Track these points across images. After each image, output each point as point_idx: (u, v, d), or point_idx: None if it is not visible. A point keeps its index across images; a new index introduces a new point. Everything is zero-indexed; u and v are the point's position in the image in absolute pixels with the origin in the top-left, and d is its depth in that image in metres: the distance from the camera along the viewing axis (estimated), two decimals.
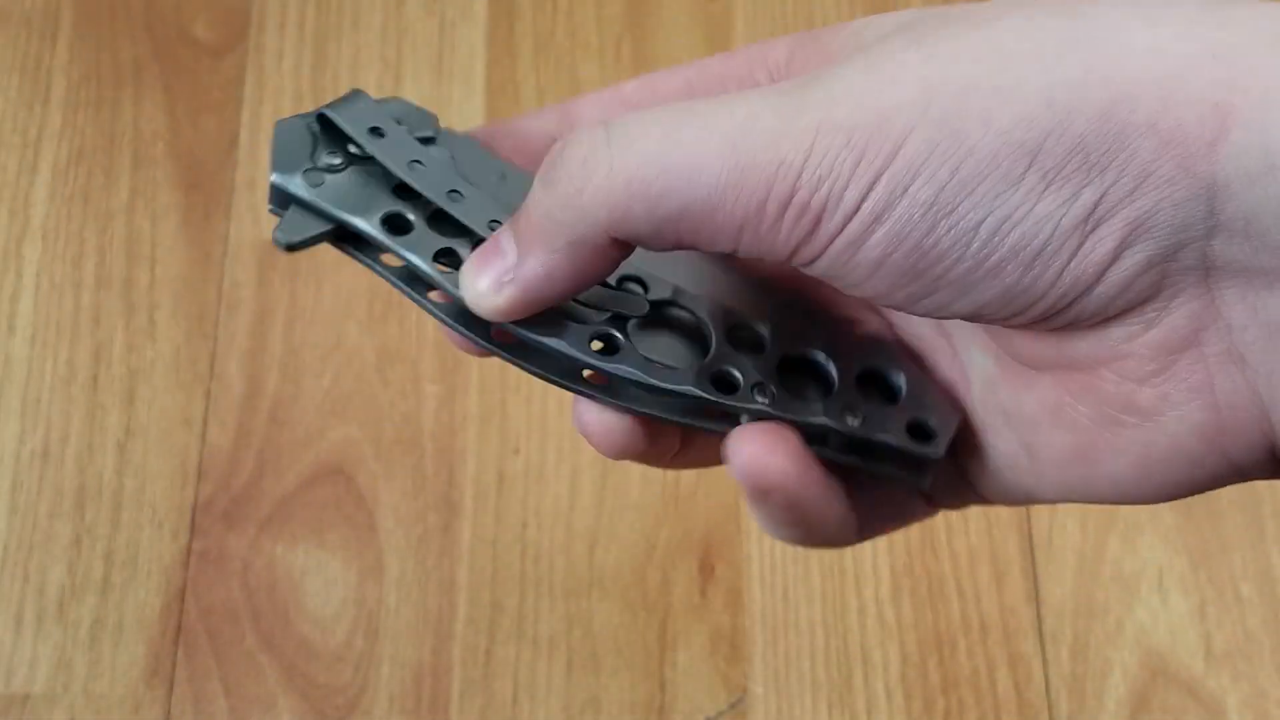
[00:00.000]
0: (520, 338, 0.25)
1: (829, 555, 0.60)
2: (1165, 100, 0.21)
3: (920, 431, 0.26)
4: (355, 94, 0.27)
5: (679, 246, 0.23)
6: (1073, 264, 0.22)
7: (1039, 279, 0.22)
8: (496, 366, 0.65)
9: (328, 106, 0.27)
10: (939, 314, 0.23)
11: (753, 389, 0.25)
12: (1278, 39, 0.21)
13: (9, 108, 0.72)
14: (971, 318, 0.23)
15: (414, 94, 0.71)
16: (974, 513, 0.61)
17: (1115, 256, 0.22)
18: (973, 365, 0.27)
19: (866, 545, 0.61)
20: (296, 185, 0.26)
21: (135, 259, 0.68)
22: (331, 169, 0.26)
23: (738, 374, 0.25)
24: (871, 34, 0.24)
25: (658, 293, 0.26)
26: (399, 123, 0.27)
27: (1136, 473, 0.24)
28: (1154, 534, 0.60)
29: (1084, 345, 0.23)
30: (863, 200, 0.22)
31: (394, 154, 0.26)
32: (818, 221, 0.22)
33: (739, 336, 0.26)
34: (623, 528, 0.62)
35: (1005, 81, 0.21)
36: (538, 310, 0.24)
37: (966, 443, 0.27)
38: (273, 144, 0.26)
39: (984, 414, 0.26)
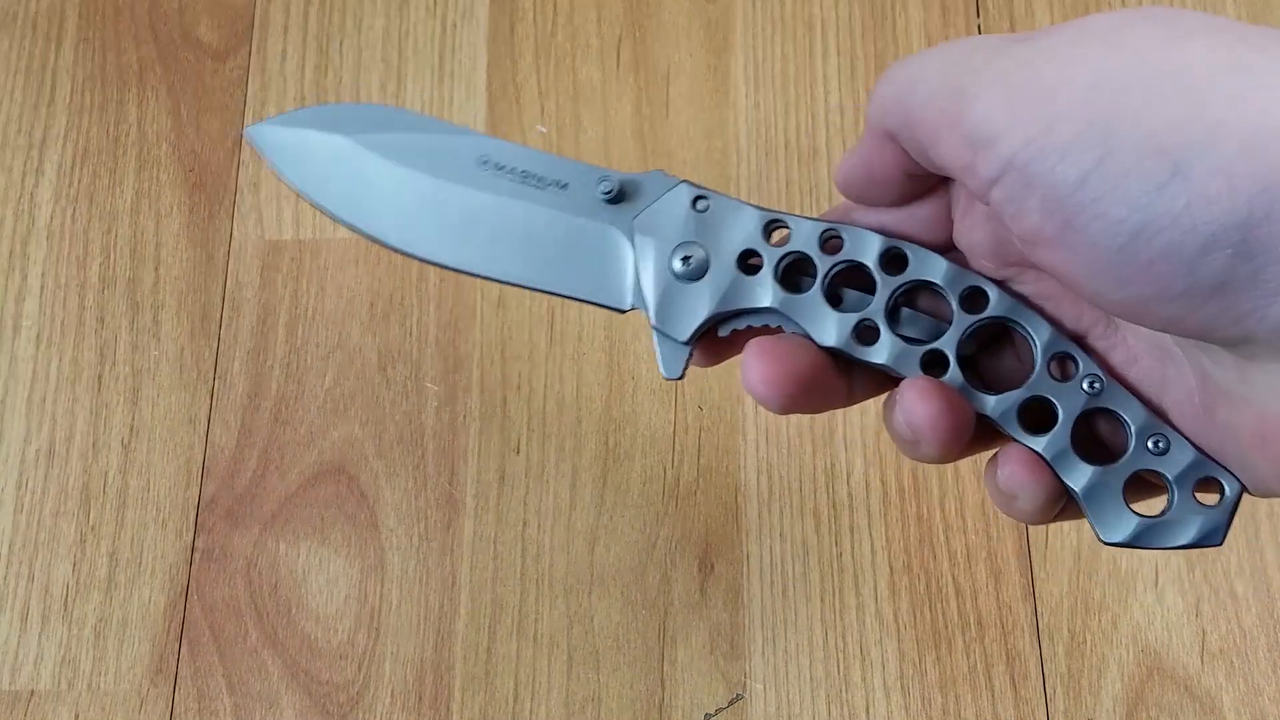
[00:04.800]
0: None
1: (827, 554, 0.61)
2: None
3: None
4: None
5: (918, 152, 0.27)
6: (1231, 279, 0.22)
7: (1192, 286, 0.22)
8: (497, 365, 0.65)
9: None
10: (1129, 316, 0.24)
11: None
12: None
13: (14, 110, 0.72)
14: (1147, 322, 0.24)
15: (416, 96, 0.71)
16: (972, 511, 0.61)
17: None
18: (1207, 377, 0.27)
19: (865, 543, 0.61)
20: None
21: (140, 259, 0.68)
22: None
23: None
24: (1119, 17, 0.25)
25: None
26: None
27: None
28: None
29: (1263, 380, 0.24)
30: (1012, 156, 0.24)
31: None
32: (975, 152, 0.24)
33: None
34: (623, 526, 0.62)
35: (1166, 86, 0.22)
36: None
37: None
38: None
39: (1204, 431, 0.28)
